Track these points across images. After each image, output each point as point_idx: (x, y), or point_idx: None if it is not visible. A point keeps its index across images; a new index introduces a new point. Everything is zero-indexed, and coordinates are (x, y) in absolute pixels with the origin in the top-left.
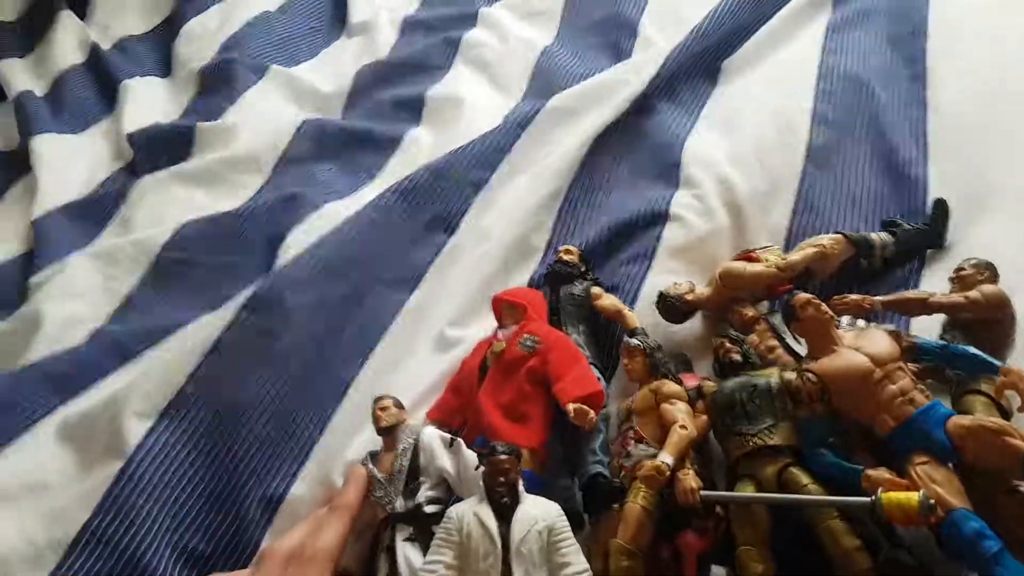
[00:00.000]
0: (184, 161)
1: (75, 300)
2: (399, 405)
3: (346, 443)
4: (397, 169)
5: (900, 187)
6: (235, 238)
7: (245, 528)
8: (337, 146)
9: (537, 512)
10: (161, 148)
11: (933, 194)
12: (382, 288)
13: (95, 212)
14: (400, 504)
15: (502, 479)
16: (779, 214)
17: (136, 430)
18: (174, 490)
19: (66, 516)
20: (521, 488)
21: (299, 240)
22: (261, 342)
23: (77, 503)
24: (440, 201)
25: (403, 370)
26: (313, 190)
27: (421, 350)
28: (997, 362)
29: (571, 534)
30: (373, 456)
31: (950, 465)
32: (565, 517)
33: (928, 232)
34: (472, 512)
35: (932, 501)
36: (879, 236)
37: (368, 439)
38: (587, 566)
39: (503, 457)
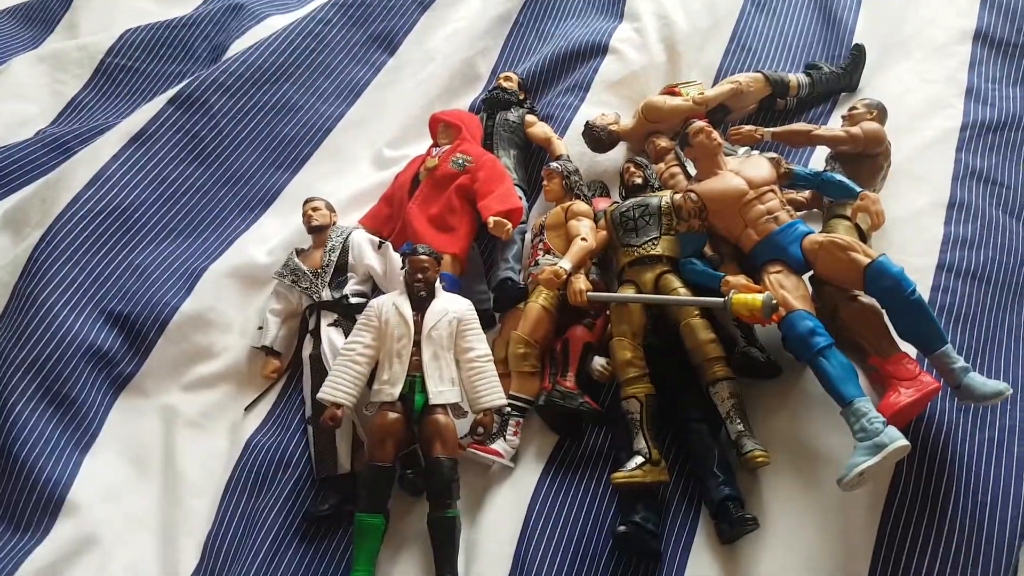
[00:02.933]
0: None
1: (22, 101)
2: (330, 208)
3: (271, 237)
4: None
5: (830, 32)
6: (178, 46)
7: (164, 294)
8: None
9: (450, 306)
10: None
11: (858, 40)
12: (317, 101)
13: (41, 16)
14: (327, 295)
15: (420, 276)
16: (713, 52)
17: (61, 201)
18: (94, 256)
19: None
20: (439, 287)
21: (240, 50)
22: (185, 139)
23: (9, 272)
24: (383, 19)
25: (337, 181)
26: (258, 1)
27: (357, 165)
28: (857, 188)
29: (478, 325)
30: (300, 252)
31: (804, 277)
32: (475, 311)
33: (843, 76)
34: (391, 302)
35: (775, 302)
36: (797, 77)
37: (290, 240)
38: (488, 351)
39: (423, 257)
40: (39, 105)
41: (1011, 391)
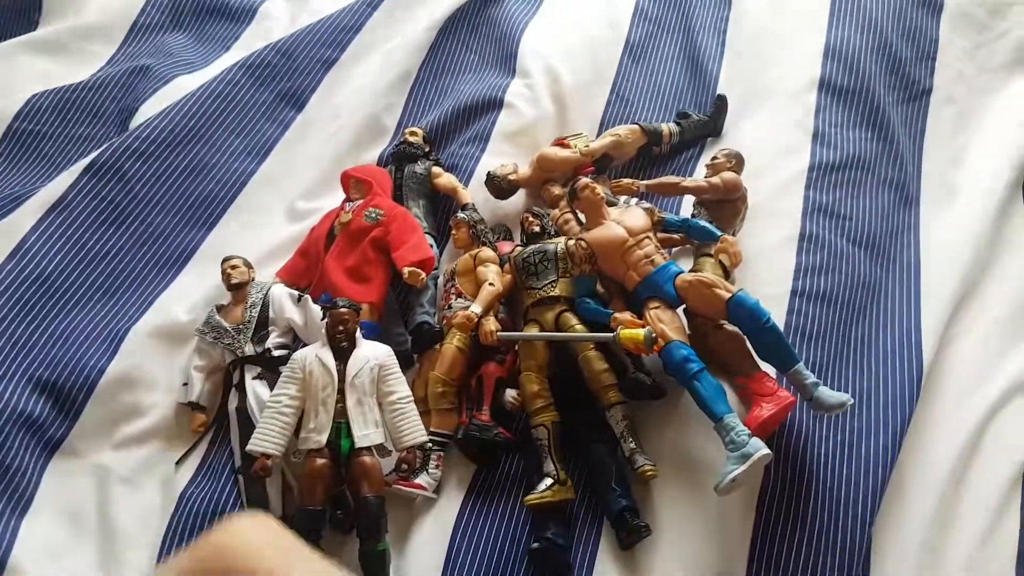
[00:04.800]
0: (32, 31)
1: None
2: (248, 264)
3: (189, 294)
4: (252, 42)
5: (698, 81)
6: (86, 110)
7: (89, 358)
8: (191, 16)
9: (370, 353)
10: (7, 17)
11: (721, 89)
12: (229, 159)
13: None
14: (249, 349)
15: (341, 327)
16: (596, 104)
17: None
18: (19, 325)
19: None
20: (359, 336)
21: (149, 113)
22: (102, 205)
23: None
24: (288, 78)
25: (252, 236)
26: (165, 61)
27: (271, 219)
28: (719, 232)
29: (398, 369)
30: (220, 308)
31: (679, 310)
32: (394, 356)
33: (708, 123)
34: (314, 354)
35: (655, 335)
36: (668, 126)
37: (209, 296)
38: (408, 392)
39: (343, 309)
40: None
41: (852, 401)
